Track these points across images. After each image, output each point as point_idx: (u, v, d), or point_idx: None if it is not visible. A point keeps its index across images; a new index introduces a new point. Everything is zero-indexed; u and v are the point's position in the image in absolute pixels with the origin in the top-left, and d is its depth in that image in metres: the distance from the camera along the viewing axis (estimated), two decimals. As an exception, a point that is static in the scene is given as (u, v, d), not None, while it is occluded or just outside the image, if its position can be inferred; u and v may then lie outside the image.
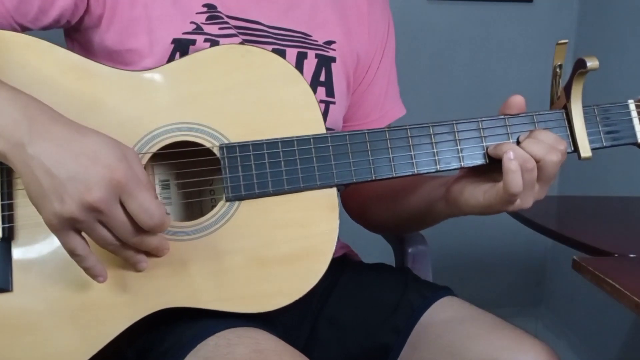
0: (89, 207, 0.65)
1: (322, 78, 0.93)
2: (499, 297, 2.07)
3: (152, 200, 0.67)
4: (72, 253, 0.68)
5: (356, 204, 1.05)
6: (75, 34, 0.88)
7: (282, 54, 0.89)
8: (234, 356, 0.71)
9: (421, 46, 1.93)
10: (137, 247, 0.70)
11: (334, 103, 0.93)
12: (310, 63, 0.92)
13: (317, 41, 0.93)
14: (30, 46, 0.77)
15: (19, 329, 0.72)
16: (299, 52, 0.91)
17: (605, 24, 1.86)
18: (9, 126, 0.66)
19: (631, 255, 0.86)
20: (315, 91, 0.91)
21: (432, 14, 1.92)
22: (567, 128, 0.81)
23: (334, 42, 0.95)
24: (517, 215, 1.14)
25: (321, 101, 0.91)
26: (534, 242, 1.86)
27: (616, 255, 0.87)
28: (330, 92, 0.93)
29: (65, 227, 0.66)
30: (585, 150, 0.80)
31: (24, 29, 0.82)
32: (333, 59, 0.94)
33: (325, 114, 0.92)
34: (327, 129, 0.92)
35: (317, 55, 0.93)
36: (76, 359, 0.72)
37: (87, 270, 0.70)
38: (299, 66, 0.91)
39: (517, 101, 0.80)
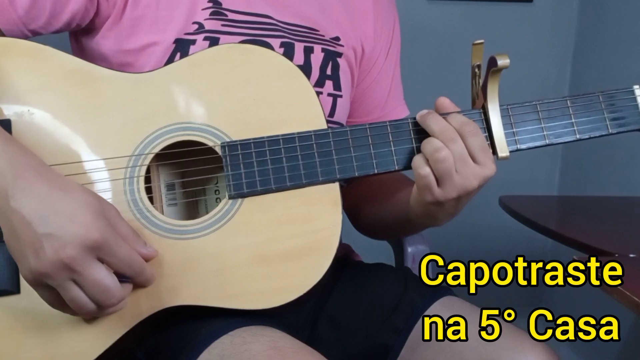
0: (61, 264, 0.63)
1: (329, 72, 0.93)
2: (499, 297, 2.07)
3: (132, 254, 0.68)
4: (52, 305, 0.68)
5: (348, 206, 1.04)
6: (81, 37, 0.89)
7: (291, 47, 0.90)
8: (251, 353, 0.71)
9: (421, 46, 1.93)
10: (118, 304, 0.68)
11: (341, 97, 0.94)
12: (317, 57, 0.93)
13: (323, 36, 0.94)
14: (33, 52, 0.77)
15: (27, 330, 0.72)
16: (305, 47, 0.92)
17: (605, 23, 1.86)
18: None
19: (631, 255, 0.86)
20: (323, 84, 0.91)
21: (432, 14, 1.92)
22: (485, 128, 0.80)
23: (339, 38, 0.95)
24: (517, 215, 1.14)
25: (329, 94, 0.93)
26: (534, 242, 1.86)
27: (616, 255, 0.87)
28: (337, 86, 0.94)
29: (40, 283, 0.65)
30: (502, 150, 0.79)
31: (35, 35, 0.83)
32: (339, 54, 0.95)
33: (333, 108, 0.93)
34: (336, 122, 0.92)
35: (323, 50, 0.93)
36: (84, 357, 0.72)
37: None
38: (307, 60, 0.91)
39: (441, 103, 0.80)
